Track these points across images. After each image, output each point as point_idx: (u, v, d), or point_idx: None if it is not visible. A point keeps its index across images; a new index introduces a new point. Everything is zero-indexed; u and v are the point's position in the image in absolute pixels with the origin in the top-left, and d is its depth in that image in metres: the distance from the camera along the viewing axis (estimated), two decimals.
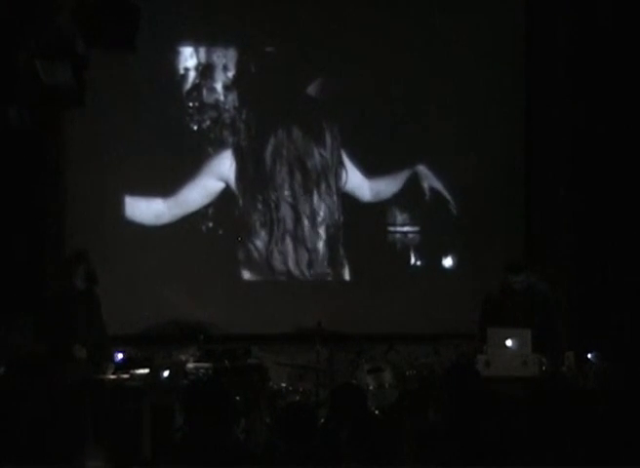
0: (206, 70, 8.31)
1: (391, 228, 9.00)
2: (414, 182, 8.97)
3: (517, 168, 9.01)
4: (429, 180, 8.98)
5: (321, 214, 8.90)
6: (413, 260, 8.98)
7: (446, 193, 8.98)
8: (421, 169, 8.96)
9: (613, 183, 8.42)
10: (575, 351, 6.80)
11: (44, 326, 6.89)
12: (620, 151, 8.37)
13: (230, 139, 8.66)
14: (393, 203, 8.96)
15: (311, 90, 8.63)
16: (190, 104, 8.46)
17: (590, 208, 8.54)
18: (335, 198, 8.91)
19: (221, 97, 8.41)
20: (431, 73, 8.90)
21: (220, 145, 8.65)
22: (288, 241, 8.90)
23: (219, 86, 8.36)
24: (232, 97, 8.46)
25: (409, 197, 8.97)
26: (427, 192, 8.99)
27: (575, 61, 8.65)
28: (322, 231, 8.92)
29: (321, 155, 8.84)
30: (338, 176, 8.86)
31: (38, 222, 8.30)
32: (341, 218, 8.93)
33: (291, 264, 8.92)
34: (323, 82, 8.65)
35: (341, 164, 8.86)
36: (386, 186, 8.90)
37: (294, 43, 8.76)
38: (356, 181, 8.82)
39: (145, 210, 8.73)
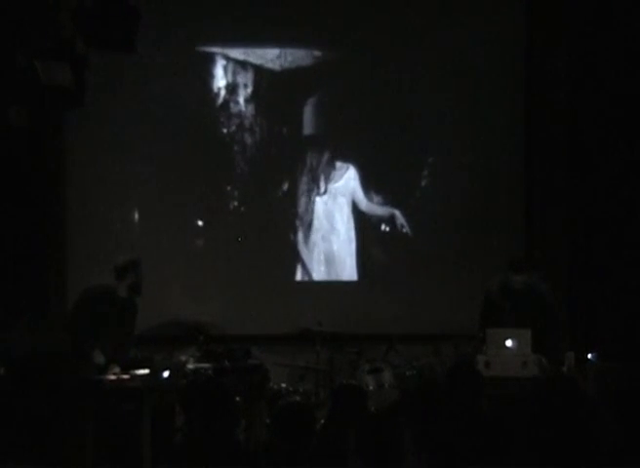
0: (232, 88, 9.07)
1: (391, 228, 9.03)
2: (412, 182, 9.02)
3: (517, 168, 9.01)
4: (429, 180, 9.03)
5: (321, 215, 8.92)
6: (412, 260, 8.98)
7: (446, 193, 8.99)
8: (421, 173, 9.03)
9: (613, 184, 8.42)
10: (575, 351, 6.79)
11: (72, 323, 6.83)
12: (620, 151, 8.37)
13: (250, 140, 8.98)
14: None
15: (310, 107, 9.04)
16: (222, 114, 9.08)
17: (591, 208, 8.54)
18: (336, 199, 8.93)
19: (243, 108, 9.10)
20: (430, 77, 8.93)
21: (242, 146, 9.00)
22: (288, 241, 8.91)
23: (241, 99, 9.05)
24: (250, 108, 9.08)
25: (408, 197, 9.01)
26: (427, 192, 9.02)
27: (574, 62, 8.66)
28: (321, 232, 8.93)
29: (326, 156, 8.96)
30: (339, 178, 8.94)
31: (38, 222, 8.30)
32: (341, 220, 8.94)
33: (291, 264, 8.93)
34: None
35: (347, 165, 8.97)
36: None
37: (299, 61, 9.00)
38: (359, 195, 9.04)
39: (147, 209, 8.77)
